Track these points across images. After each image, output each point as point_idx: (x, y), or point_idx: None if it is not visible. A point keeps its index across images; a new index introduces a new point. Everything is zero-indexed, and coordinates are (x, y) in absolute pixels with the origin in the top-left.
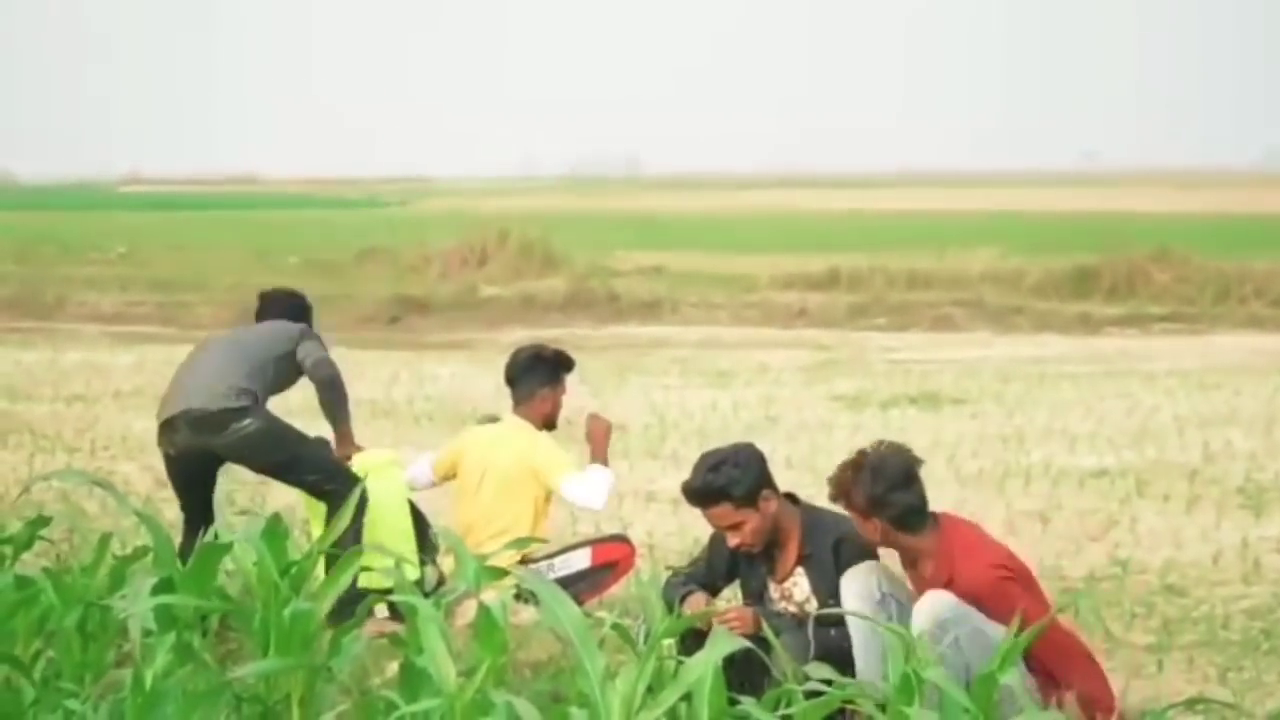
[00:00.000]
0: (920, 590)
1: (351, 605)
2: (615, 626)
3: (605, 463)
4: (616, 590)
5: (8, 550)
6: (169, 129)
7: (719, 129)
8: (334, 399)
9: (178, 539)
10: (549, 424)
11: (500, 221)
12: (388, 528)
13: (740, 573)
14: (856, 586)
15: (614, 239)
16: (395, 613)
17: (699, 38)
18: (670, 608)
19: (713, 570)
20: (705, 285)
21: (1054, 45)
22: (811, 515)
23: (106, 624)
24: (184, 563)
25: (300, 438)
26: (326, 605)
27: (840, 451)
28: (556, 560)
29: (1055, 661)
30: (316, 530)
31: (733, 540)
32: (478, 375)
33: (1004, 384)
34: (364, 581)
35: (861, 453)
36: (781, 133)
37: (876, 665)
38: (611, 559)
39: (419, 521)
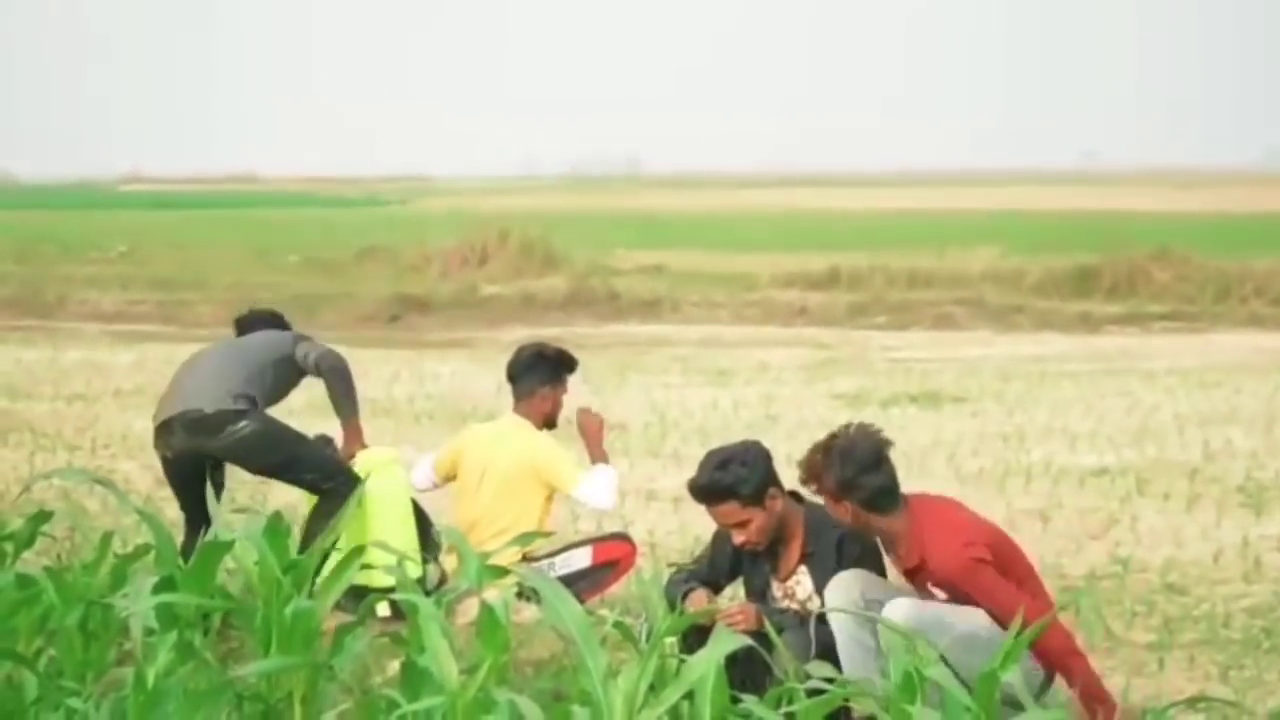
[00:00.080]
0: (900, 572)
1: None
2: (617, 625)
3: (605, 458)
4: (617, 589)
5: (9, 548)
6: (169, 128)
7: (719, 128)
8: (342, 389)
9: (179, 538)
10: (549, 423)
11: (501, 220)
12: (390, 526)
13: (743, 570)
14: (839, 596)
15: (614, 238)
16: (397, 611)
17: (699, 38)
18: (672, 605)
19: (715, 568)
20: (706, 284)
21: (1054, 45)
22: (815, 514)
23: (108, 622)
24: (186, 562)
25: (298, 438)
26: (328, 603)
27: None
28: (558, 559)
29: (1032, 587)
30: None
31: (738, 538)
32: (478, 374)
33: (1004, 383)
34: (366, 580)
35: (831, 436)
36: (781, 132)
37: (859, 672)
38: (613, 557)
39: (421, 520)
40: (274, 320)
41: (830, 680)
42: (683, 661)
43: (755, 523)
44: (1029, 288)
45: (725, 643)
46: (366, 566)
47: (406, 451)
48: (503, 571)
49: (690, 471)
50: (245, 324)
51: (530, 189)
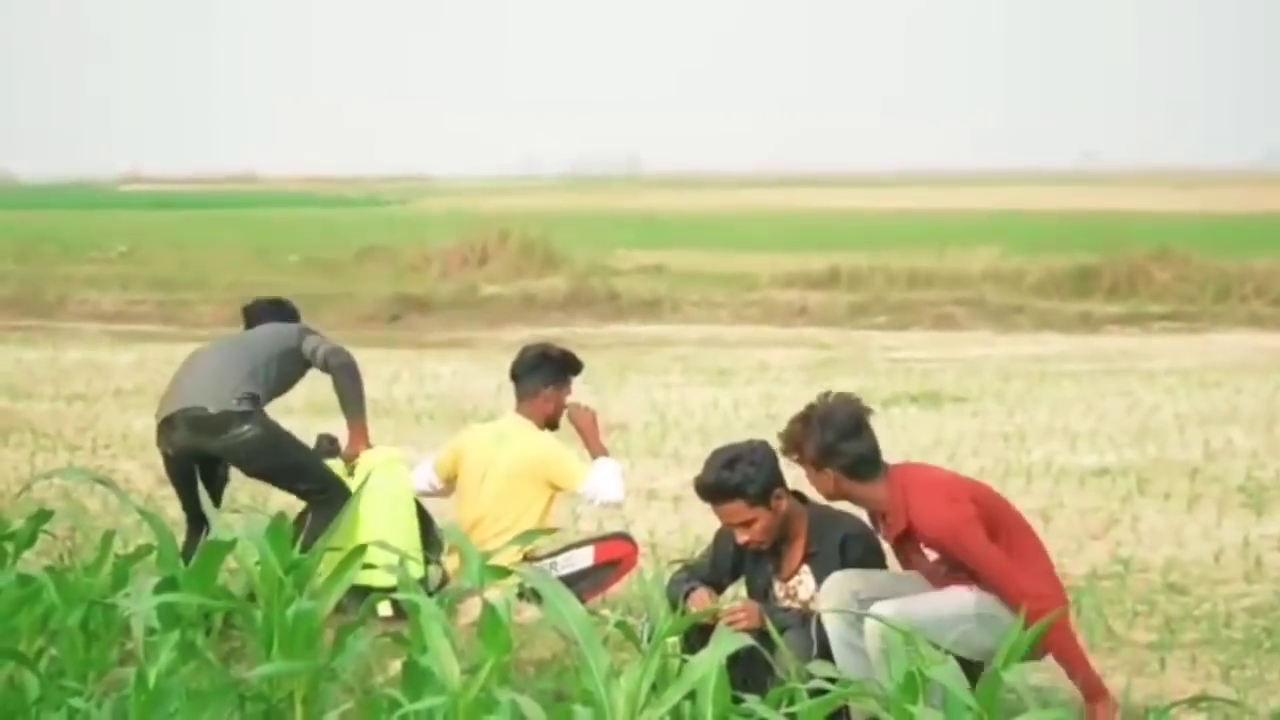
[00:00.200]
0: (890, 543)
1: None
2: (619, 624)
3: (605, 452)
4: (619, 588)
5: (10, 547)
6: (169, 128)
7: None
8: (351, 386)
9: (180, 538)
10: (551, 424)
11: (501, 220)
12: (393, 525)
13: (745, 570)
14: (832, 596)
15: (615, 238)
16: (399, 610)
17: (699, 38)
18: (674, 605)
19: (718, 567)
20: (706, 284)
21: (1054, 45)
22: (818, 514)
23: (110, 622)
24: (187, 562)
25: (298, 445)
26: (330, 604)
27: None
28: (559, 558)
29: (1012, 551)
30: None
31: (742, 537)
32: (478, 374)
33: (1005, 382)
34: (367, 579)
35: (810, 406)
36: (781, 132)
37: (850, 673)
38: (614, 557)
39: (424, 520)
40: (282, 309)
41: (832, 680)
42: (685, 661)
43: (760, 522)
44: (1029, 288)
45: (727, 643)
46: (368, 566)
47: (407, 452)
48: (504, 571)
49: (691, 471)
50: (253, 313)
51: (530, 189)
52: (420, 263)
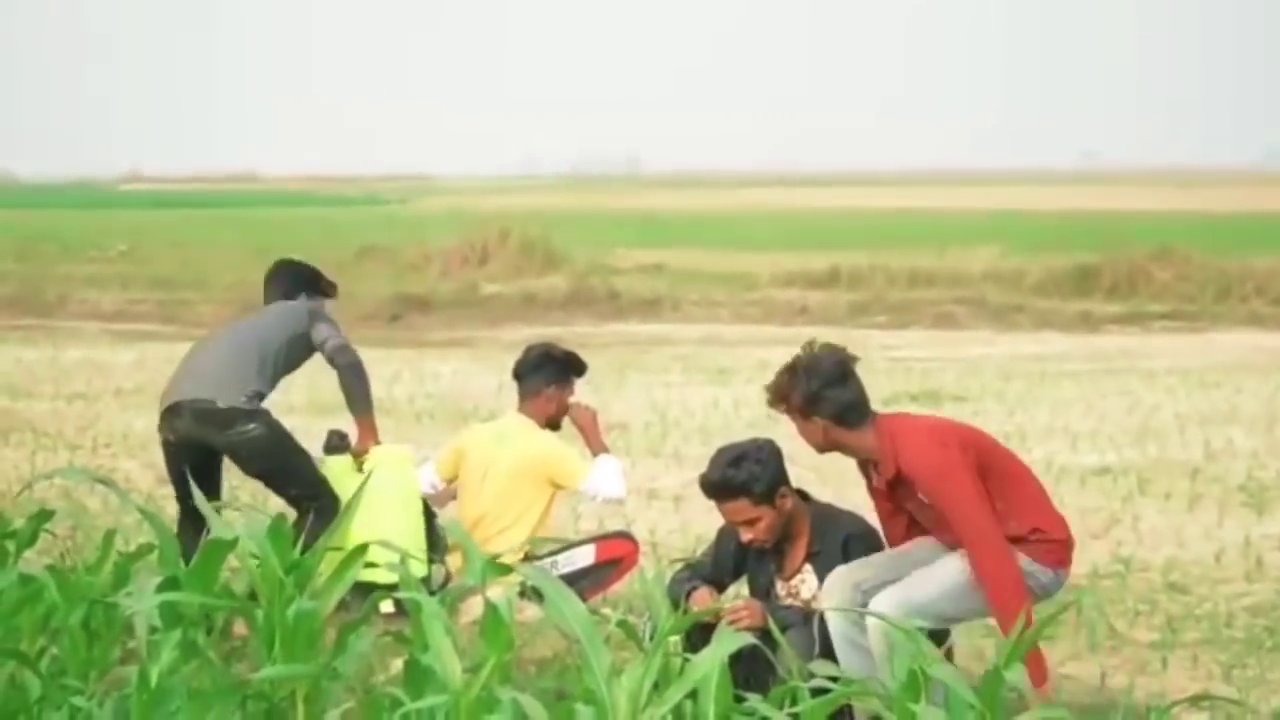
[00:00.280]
0: (876, 502)
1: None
2: (620, 624)
3: (606, 449)
4: (620, 587)
5: (11, 547)
6: (169, 128)
7: (719, 128)
8: (357, 386)
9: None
10: (552, 424)
11: (501, 219)
12: (400, 522)
13: (748, 568)
14: (834, 593)
15: (615, 237)
16: (401, 608)
17: (699, 38)
18: (675, 604)
19: (719, 566)
20: (706, 283)
21: (1054, 45)
22: (821, 512)
23: (111, 621)
24: (183, 555)
25: (299, 450)
26: (332, 603)
27: None
28: (560, 557)
29: (1006, 494)
30: None
31: (746, 536)
32: (479, 373)
33: (1005, 382)
34: (371, 576)
35: (796, 356)
36: (781, 132)
37: (853, 670)
38: (615, 556)
39: (428, 519)
40: (300, 269)
41: (834, 679)
42: (687, 660)
43: (765, 521)
44: (1029, 287)
45: (729, 641)
46: (372, 564)
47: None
48: (506, 570)
49: (691, 471)
50: (274, 273)
51: (530, 188)
52: (420, 262)
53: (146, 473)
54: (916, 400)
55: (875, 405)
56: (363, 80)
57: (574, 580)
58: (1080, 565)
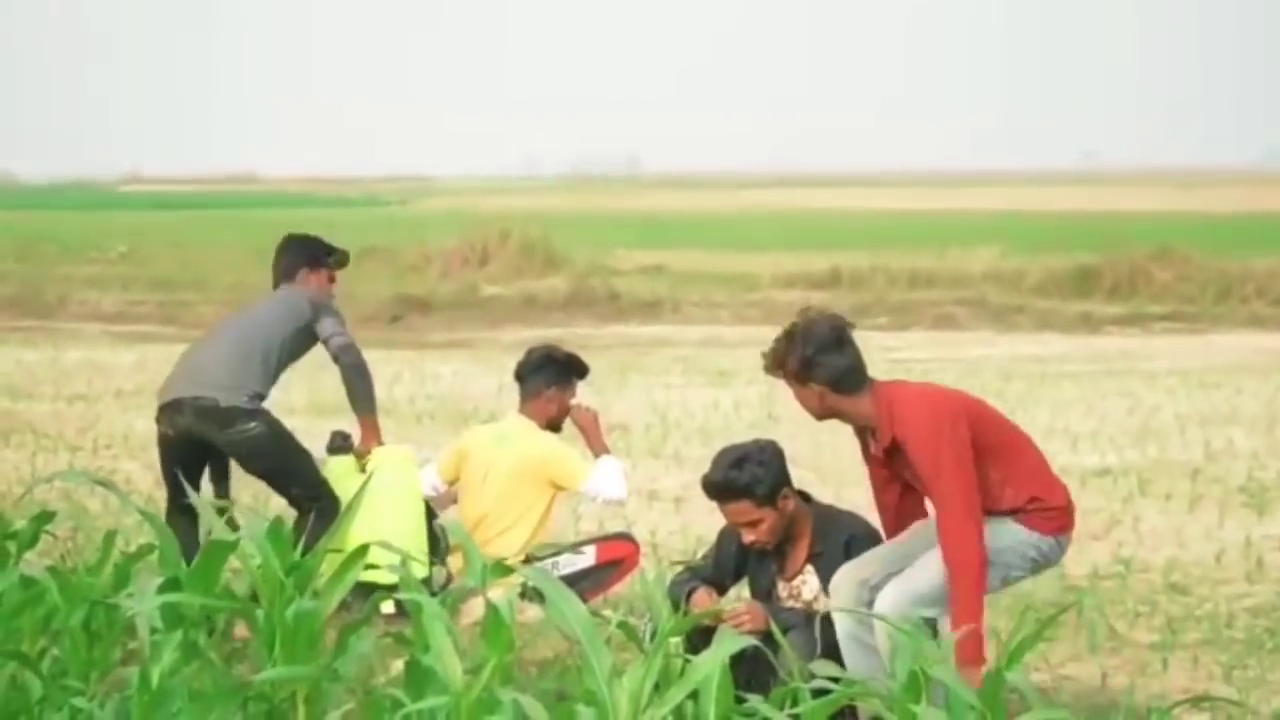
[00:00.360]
0: (871, 470)
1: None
2: (621, 625)
3: (607, 450)
4: (621, 589)
5: (12, 548)
6: (169, 129)
7: (719, 128)
8: (361, 386)
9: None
10: (553, 425)
11: (501, 221)
12: (402, 522)
13: (749, 570)
14: (842, 592)
15: (615, 238)
16: (401, 608)
17: (699, 38)
18: (676, 606)
19: (721, 568)
20: (706, 284)
21: (1054, 45)
22: (823, 514)
23: (112, 622)
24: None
25: (299, 450)
26: (333, 604)
27: (843, 450)
28: (561, 558)
29: (1003, 463)
30: None
31: (748, 537)
32: (479, 374)
33: (1005, 383)
34: (372, 576)
35: (793, 322)
36: (781, 132)
37: (860, 670)
38: (616, 557)
39: (429, 520)
40: (310, 243)
41: (836, 680)
42: (687, 661)
43: (767, 522)
44: (1030, 288)
45: (730, 643)
46: (372, 566)
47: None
48: (507, 571)
49: (692, 472)
50: (283, 249)
51: (530, 189)
52: (421, 263)
53: (147, 474)
54: None
55: None
56: (363, 80)
57: (574, 581)
58: (1081, 566)
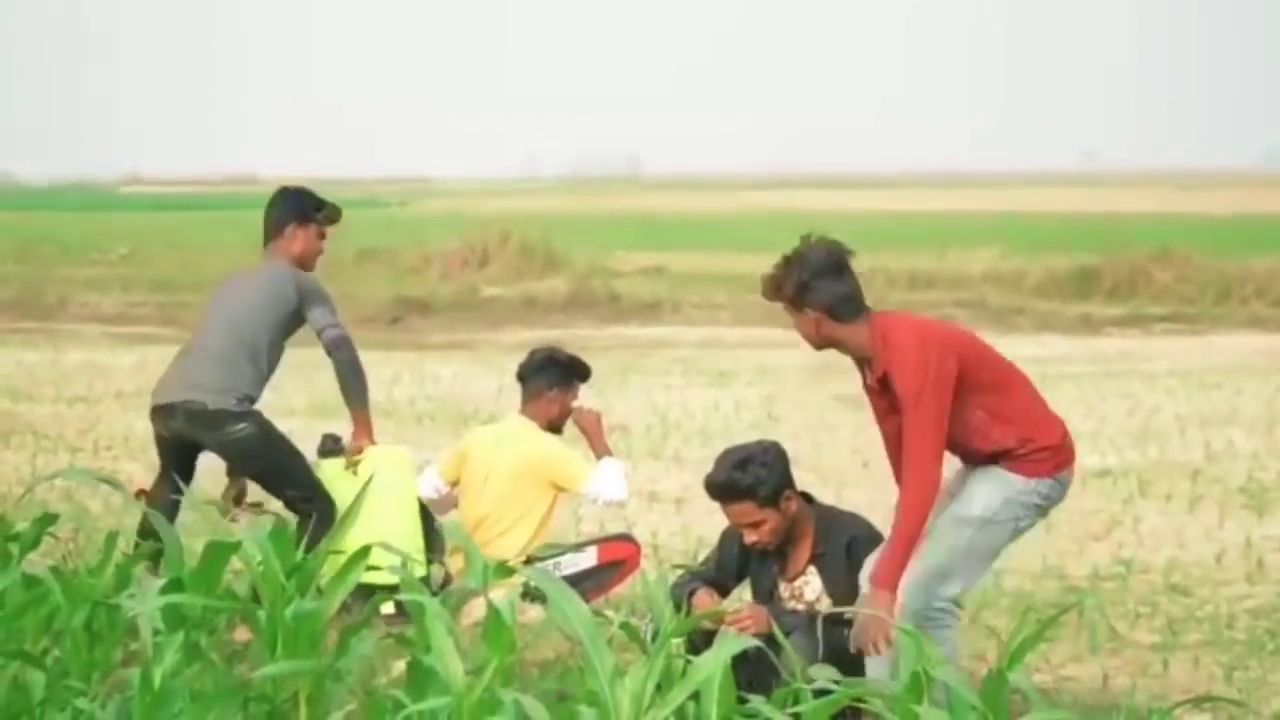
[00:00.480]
0: (871, 400)
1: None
2: (623, 626)
3: (609, 452)
4: (622, 590)
5: (14, 549)
6: (169, 129)
7: (719, 129)
8: (354, 380)
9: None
10: (554, 427)
11: (501, 222)
12: (397, 523)
13: (751, 571)
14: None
15: (615, 239)
16: (401, 609)
17: (699, 38)
18: (678, 607)
19: (722, 569)
20: (707, 285)
21: (1054, 45)
22: (825, 515)
23: (114, 623)
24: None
25: (290, 450)
26: (334, 605)
27: (843, 450)
28: (562, 559)
29: (995, 402)
30: None
31: (750, 538)
32: (479, 376)
33: None
34: (370, 578)
35: (793, 249)
36: (781, 132)
37: (879, 669)
38: (617, 558)
39: (426, 519)
40: (300, 195)
41: (837, 681)
42: (689, 662)
43: (769, 524)
44: (1029, 289)
45: (732, 644)
46: (373, 567)
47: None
48: (508, 572)
49: (692, 473)
50: (273, 206)
51: (530, 190)
52: (420, 264)
53: (148, 475)
54: None
55: None
56: (363, 81)
57: (576, 582)
58: (1081, 567)
